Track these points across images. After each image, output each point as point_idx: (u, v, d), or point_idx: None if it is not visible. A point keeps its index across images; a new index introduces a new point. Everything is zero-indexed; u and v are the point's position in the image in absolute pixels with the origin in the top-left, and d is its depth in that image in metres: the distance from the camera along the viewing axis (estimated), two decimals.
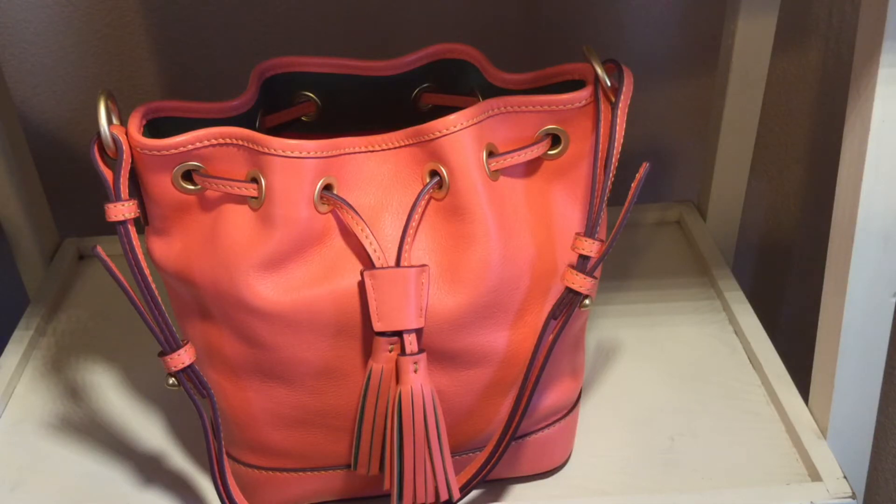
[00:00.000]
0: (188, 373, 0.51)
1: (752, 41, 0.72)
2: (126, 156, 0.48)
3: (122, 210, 0.48)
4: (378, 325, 0.49)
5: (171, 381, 0.51)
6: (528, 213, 0.51)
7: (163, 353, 0.50)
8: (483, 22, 0.84)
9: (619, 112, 0.50)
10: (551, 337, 0.52)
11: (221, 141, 0.48)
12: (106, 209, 0.48)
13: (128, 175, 0.48)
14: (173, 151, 0.48)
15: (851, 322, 0.58)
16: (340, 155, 0.49)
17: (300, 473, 0.56)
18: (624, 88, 0.50)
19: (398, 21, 0.83)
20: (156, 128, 0.52)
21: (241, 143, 0.48)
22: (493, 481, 0.59)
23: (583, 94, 0.50)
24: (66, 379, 0.69)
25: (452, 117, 0.48)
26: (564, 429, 0.59)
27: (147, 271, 0.49)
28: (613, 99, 0.50)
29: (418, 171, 0.50)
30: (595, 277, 0.51)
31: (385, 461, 0.52)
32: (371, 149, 0.50)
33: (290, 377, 0.51)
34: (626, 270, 0.79)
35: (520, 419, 0.53)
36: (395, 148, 0.50)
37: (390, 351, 0.49)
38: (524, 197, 0.52)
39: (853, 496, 0.57)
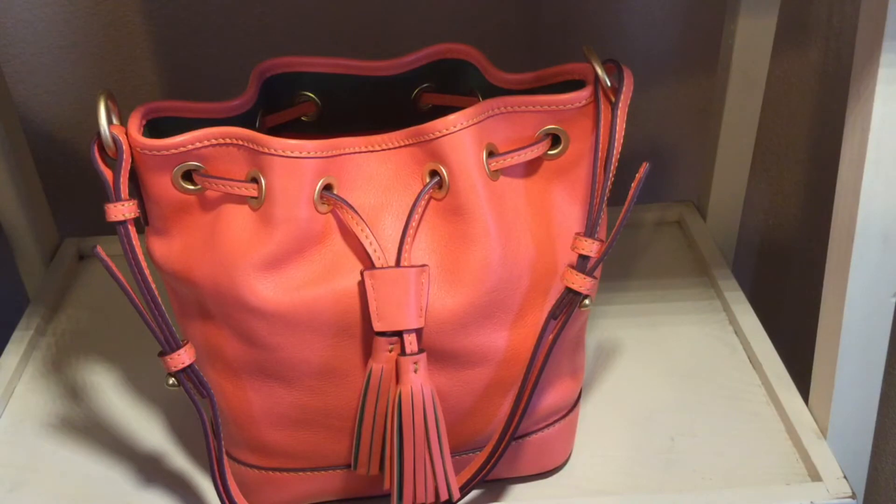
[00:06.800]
0: (188, 373, 0.51)
1: (752, 41, 0.72)
2: (126, 156, 0.48)
3: (122, 210, 0.48)
4: (378, 325, 0.49)
5: (171, 381, 0.51)
6: (528, 213, 0.51)
7: (163, 353, 0.50)
8: (483, 22, 0.84)
9: (619, 112, 0.50)
10: (551, 337, 0.52)
11: (221, 141, 0.48)
12: (106, 209, 0.48)
13: (128, 175, 0.48)
14: (173, 151, 0.48)
15: (851, 322, 0.58)
16: (340, 155, 0.49)
17: (300, 473, 0.56)
18: (624, 88, 0.50)
19: (398, 21, 0.83)
20: (156, 128, 0.52)
21: (241, 143, 0.48)
22: (493, 481, 0.59)
23: (583, 94, 0.50)
24: (66, 379, 0.69)
25: (452, 117, 0.48)
26: (564, 429, 0.59)
27: (147, 271, 0.49)
28: (613, 99, 0.50)
29: (418, 171, 0.50)
30: (595, 277, 0.51)
31: (385, 461, 0.52)
32: (371, 149, 0.50)
33: (289, 377, 0.51)
34: (626, 270, 0.79)
35: (520, 419, 0.53)
36: (395, 148, 0.50)
37: (390, 351, 0.49)
38: (524, 197, 0.52)
39: (853, 496, 0.57)
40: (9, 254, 0.80)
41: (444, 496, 0.53)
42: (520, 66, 0.68)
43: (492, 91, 0.56)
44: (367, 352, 0.51)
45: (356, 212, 0.49)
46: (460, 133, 0.49)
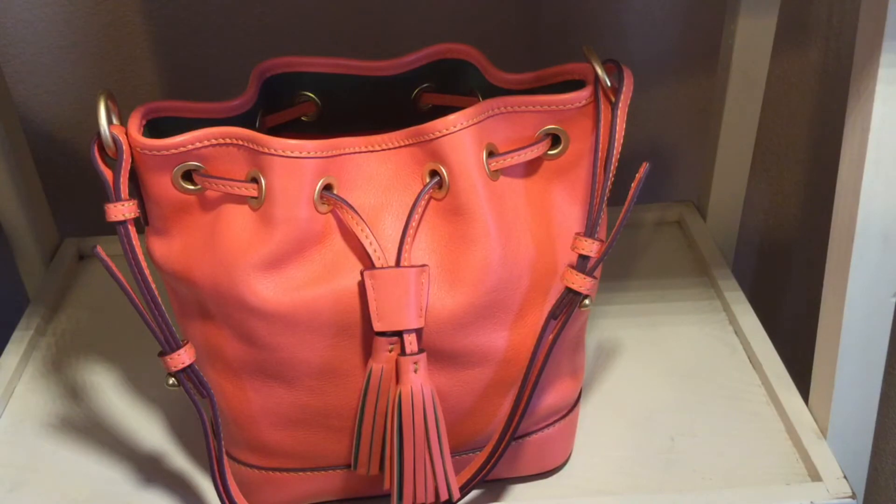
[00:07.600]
0: (188, 373, 0.51)
1: (752, 41, 0.72)
2: (126, 156, 0.48)
3: (122, 210, 0.48)
4: (378, 325, 0.49)
5: (171, 381, 0.51)
6: (528, 213, 0.51)
7: (163, 353, 0.50)
8: (483, 22, 0.84)
9: (619, 112, 0.50)
10: (551, 337, 0.52)
11: (221, 141, 0.48)
12: (106, 209, 0.48)
13: (128, 175, 0.48)
14: (173, 151, 0.48)
15: (851, 322, 0.58)
16: (340, 155, 0.49)
17: (300, 473, 0.56)
18: (624, 88, 0.50)
19: (398, 21, 0.83)
20: (156, 128, 0.52)
21: (241, 142, 0.48)
22: (493, 481, 0.59)
23: (583, 94, 0.50)
24: (66, 379, 0.69)
25: (452, 117, 0.48)
26: (564, 429, 0.59)
27: (147, 271, 0.49)
28: (613, 99, 0.50)
29: (418, 171, 0.50)
30: (595, 277, 0.51)
31: (385, 461, 0.52)
32: (371, 149, 0.50)
33: (290, 377, 0.51)
34: (626, 270, 0.79)
35: (520, 419, 0.53)
36: (395, 148, 0.50)
37: (390, 351, 0.49)
38: (524, 197, 0.52)
39: (853, 496, 0.57)
40: (9, 254, 0.80)
41: (444, 496, 0.53)
42: (520, 66, 0.68)
43: (492, 91, 0.56)
44: (367, 352, 0.51)
45: (356, 212, 0.49)
46: (460, 133, 0.49)
